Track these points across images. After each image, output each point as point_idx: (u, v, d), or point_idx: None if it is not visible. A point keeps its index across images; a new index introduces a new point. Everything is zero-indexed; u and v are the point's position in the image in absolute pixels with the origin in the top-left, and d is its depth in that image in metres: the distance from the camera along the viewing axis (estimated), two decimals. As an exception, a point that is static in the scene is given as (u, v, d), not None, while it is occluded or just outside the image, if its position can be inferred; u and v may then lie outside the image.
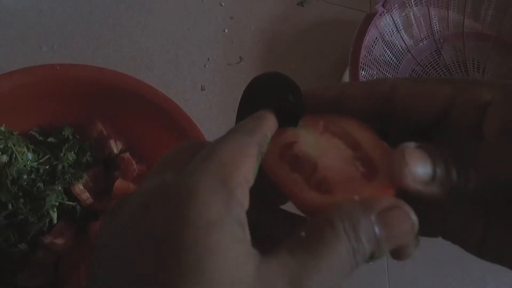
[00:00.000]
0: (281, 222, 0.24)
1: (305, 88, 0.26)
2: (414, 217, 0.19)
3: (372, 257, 0.19)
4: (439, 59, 0.77)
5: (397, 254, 0.21)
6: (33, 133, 0.53)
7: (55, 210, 0.49)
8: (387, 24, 0.73)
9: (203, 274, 0.16)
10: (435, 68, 0.76)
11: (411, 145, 0.20)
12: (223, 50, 0.73)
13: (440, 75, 0.75)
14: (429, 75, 0.75)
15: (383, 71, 0.72)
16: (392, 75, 0.74)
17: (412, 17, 0.75)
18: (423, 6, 0.76)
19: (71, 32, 0.68)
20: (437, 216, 0.23)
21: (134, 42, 0.69)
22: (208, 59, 0.71)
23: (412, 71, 0.75)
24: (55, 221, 0.49)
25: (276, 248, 0.18)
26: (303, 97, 0.26)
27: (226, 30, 0.74)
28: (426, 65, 0.76)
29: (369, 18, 0.69)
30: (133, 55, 0.69)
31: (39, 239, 0.48)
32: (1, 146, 0.48)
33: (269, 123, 0.23)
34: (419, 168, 0.19)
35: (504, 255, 0.22)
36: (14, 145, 0.49)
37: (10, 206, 0.47)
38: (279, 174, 0.23)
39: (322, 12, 0.80)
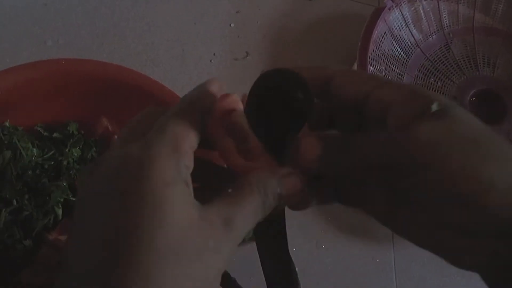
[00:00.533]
0: (213, 174, 0.31)
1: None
2: (302, 181, 0.27)
3: (276, 207, 0.26)
4: (449, 54, 0.76)
5: (293, 206, 0.28)
6: (38, 129, 0.53)
7: (60, 206, 0.49)
8: (396, 18, 0.72)
9: (160, 218, 0.22)
10: (444, 63, 0.75)
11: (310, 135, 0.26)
12: (229, 45, 0.72)
13: (450, 70, 0.74)
14: (438, 70, 0.74)
15: (392, 66, 0.71)
16: (401, 70, 0.73)
17: (422, 11, 0.74)
18: (432, 0, 0.75)
19: (76, 26, 0.67)
20: (331, 186, 0.29)
21: (140, 37, 0.69)
22: (214, 54, 0.71)
23: (421, 66, 0.74)
24: (60, 217, 0.49)
25: (211, 200, 0.24)
26: (311, 92, 0.26)
27: (232, 25, 0.74)
28: (435, 60, 0.75)
29: (378, 12, 0.68)
30: (139, 50, 0.68)
31: (44, 236, 0.47)
32: (6, 142, 0.48)
33: (212, 92, 0.28)
34: (307, 152, 0.26)
35: (409, 231, 0.26)
36: (18, 141, 0.48)
37: (15, 202, 0.47)
38: (216, 138, 0.28)
39: (329, 6, 0.79)
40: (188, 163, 0.24)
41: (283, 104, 0.27)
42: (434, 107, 0.24)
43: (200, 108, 0.26)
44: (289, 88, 0.26)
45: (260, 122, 0.27)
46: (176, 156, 0.23)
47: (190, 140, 0.25)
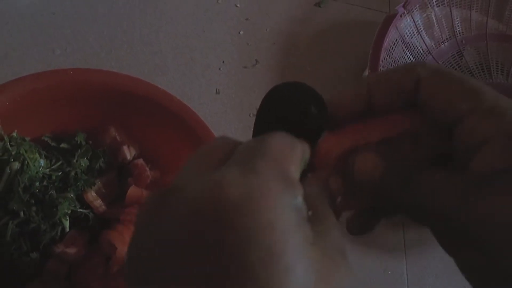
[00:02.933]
0: None
1: (329, 97, 0.25)
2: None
3: None
4: (461, 62, 0.74)
5: (353, 230, 0.25)
6: (46, 139, 0.52)
7: (68, 218, 0.48)
8: (408, 25, 0.71)
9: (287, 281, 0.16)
10: (457, 70, 0.73)
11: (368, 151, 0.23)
12: (238, 53, 0.71)
13: (462, 78, 0.73)
14: (451, 77, 0.73)
15: (403, 74, 0.70)
16: (413, 78, 0.71)
17: (434, 18, 0.73)
18: (445, 6, 0.73)
19: (84, 35, 0.67)
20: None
21: (148, 45, 0.68)
22: (223, 61, 0.70)
23: (433, 74, 0.73)
24: (67, 229, 0.48)
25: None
26: (326, 108, 0.25)
27: (241, 32, 0.73)
28: (448, 67, 0.74)
29: (389, 19, 0.67)
30: (147, 58, 0.67)
31: (51, 248, 0.47)
32: (13, 153, 0.47)
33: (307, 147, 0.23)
34: (362, 170, 0.23)
35: (469, 274, 0.22)
36: (26, 152, 0.48)
37: (22, 214, 0.46)
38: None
39: (340, 13, 0.78)
40: (302, 192, 0.19)
41: (295, 119, 0.26)
42: None
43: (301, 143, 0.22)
44: (303, 102, 0.25)
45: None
46: (291, 187, 0.18)
47: (297, 166, 0.20)
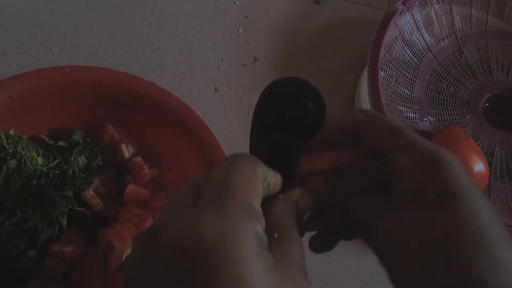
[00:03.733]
0: None
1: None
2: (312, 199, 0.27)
3: None
4: (461, 59, 0.74)
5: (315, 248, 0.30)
6: (43, 137, 0.52)
7: (65, 216, 0.48)
8: (407, 22, 0.71)
9: None
10: (457, 68, 0.73)
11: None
12: (237, 51, 0.71)
13: (462, 75, 0.72)
14: (451, 75, 0.72)
15: (403, 71, 0.70)
16: (412, 75, 0.71)
17: (434, 15, 0.73)
18: (445, 3, 0.73)
19: (83, 33, 0.66)
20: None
21: (147, 43, 0.68)
22: (222, 59, 0.70)
23: (433, 71, 0.73)
24: (65, 227, 0.48)
25: (272, 249, 0.23)
26: (325, 103, 0.25)
27: (240, 30, 0.73)
28: (448, 65, 0.73)
29: (389, 16, 0.67)
30: (146, 56, 0.67)
31: (49, 247, 0.46)
32: (10, 151, 0.47)
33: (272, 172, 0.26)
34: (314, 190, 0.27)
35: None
36: (23, 150, 0.48)
37: (19, 213, 0.46)
38: None
39: (339, 10, 0.78)
40: (263, 225, 0.23)
41: (294, 113, 0.25)
42: (430, 195, 0.24)
43: (261, 164, 0.25)
44: (301, 98, 0.25)
45: (269, 130, 0.26)
46: (254, 222, 0.22)
47: (258, 196, 0.23)
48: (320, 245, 0.30)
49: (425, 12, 0.72)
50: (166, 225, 0.22)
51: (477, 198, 0.23)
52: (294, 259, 0.23)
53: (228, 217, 0.21)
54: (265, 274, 0.20)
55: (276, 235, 0.23)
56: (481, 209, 0.23)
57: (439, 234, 0.22)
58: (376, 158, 0.27)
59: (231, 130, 0.65)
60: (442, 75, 0.72)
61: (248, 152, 0.28)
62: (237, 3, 0.74)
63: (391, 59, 0.68)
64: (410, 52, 0.71)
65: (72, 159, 0.51)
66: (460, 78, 0.72)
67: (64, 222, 0.47)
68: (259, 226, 0.22)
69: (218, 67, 0.69)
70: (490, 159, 0.67)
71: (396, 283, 0.24)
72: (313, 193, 0.27)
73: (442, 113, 0.70)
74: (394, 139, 0.26)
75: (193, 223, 0.21)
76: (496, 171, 0.66)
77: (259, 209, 0.23)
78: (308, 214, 0.27)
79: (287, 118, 0.25)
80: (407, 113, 0.68)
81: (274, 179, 0.25)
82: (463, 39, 0.75)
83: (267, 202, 0.25)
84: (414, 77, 0.71)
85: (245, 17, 0.74)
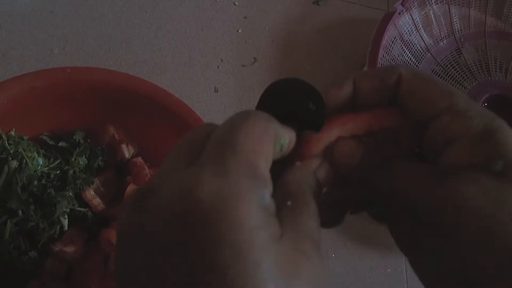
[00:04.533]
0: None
1: (325, 91, 0.26)
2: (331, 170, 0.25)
3: None
4: (460, 59, 0.74)
5: (325, 224, 0.25)
6: (44, 138, 0.52)
7: (66, 216, 0.48)
8: (406, 23, 0.71)
9: (258, 278, 0.17)
10: (456, 68, 0.73)
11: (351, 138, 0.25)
12: (237, 51, 0.71)
13: (461, 75, 0.73)
14: (449, 75, 0.73)
15: (402, 72, 0.70)
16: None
17: (432, 16, 0.73)
18: (443, 4, 0.74)
19: (83, 34, 0.67)
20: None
21: (147, 43, 0.68)
22: (222, 60, 0.70)
23: (432, 71, 0.73)
24: (66, 228, 0.48)
25: (282, 220, 0.21)
26: (325, 104, 0.25)
27: (240, 30, 0.73)
28: (446, 65, 0.74)
29: (388, 17, 0.67)
30: (146, 57, 0.67)
31: (50, 247, 0.47)
32: (11, 152, 0.47)
33: (290, 131, 0.24)
34: (342, 155, 0.24)
35: (422, 274, 0.24)
36: (24, 150, 0.48)
37: (20, 213, 0.46)
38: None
39: (338, 11, 0.78)
40: (270, 189, 0.20)
41: (294, 114, 0.26)
42: (498, 167, 0.21)
43: (276, 125, 0.22)
44: (301, 98, 0.25)
45: None
46: (259, 185, 0.19)
47: (266, 157, 0.21)
48: (330, 219, 0.26)
49: (423, 12, 0.72)
50: (160, 185, 0.20)
51: None
52: (307, 230, 0.20)
53: (228, 176, 0.19)
54: (269, 244, 0.18)
55: (289, 203, 0.21)
56: None
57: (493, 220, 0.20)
58: (417, 123, 0.24)
59: (231, 131, 0.66)
60: (440, 76, 0.73)
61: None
62: (236, 3, 0.74)
63: (390, 60, 0.68)
64: (409, 52, 0.72)
65: (73, 159, 0.51)
66: (458, 78, 0.73)
67: (65, 222, 0.48)
68: (265, 190, 0.19)
69: (218, 67, 0.69)
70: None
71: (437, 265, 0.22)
72: (344, 158, 0.24)
73: (441, 113, 0.70)
74: (449, 101, 0.23)
75: (188, 182, 0.19)
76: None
77: (266, 172, 0.20)
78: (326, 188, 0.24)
79: (287, 119, 0.25)
80: (406, 113, 0.68)
81: (288, 139, 0.23)
82: (462, 40, 0.75)
83: (281, 168, 0.23)
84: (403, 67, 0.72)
85: (245, 17, 0.74)
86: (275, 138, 0.22)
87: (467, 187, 0.20)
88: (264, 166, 0.20)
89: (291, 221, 0.20)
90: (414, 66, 0.72)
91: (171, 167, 0.21)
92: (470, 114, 0.22)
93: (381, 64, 0.65)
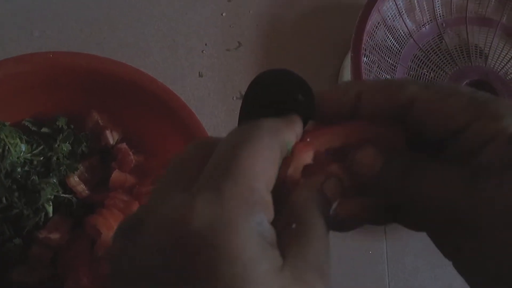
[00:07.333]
0: None
1: (319, 91, 0.25)
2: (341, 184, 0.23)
3: None
4: (441, 44, 0.75)
5: (339, 226, 0.24)
6: (26, 123, 0.51)
7: (51, 203, 0.48)
8: (390, 8, 0.71)
9: None
10: (437, 54, 0.74)
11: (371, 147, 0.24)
12: (221, 35, 0.71)
13: (442, 61, 0.74)
14: (431, 60, 0.73)
15: (385, 57, 0.71)
16: (394, 61, 0.72)
17: (415, 1, 0.73)
18: (426, -11, 0.74)
19: (64, 16, 0.65)
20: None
21: (130, 27, 0.67)
22: (206, 44, 0.69)
23: (414, 57, 0.74)
24: (50, 214, 0.48)
25: (286, 245, 0.19)
26: (314, 96, 0.25)
27: (224, 14, 0.72)
28: (428, 51, 0.74)
29: (372, 2, 0.67)
30: (129, 41, 0.66)
31: (35, 234, 0.46)
32: (-7, 138, 0.46)
33: (297, 128, 0.23)
34: (362, 165, 0.23)
35: (471, 275, 0.22)
36: (6, 137, 0.47)
37: (4, 200, 0.46)
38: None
39: (322, -5, 0.78)
40: (270, 216, 0.19)
41: (283, 106, 0.26)
42: None
43: (281, 142, 0.21)
44: (290, 90, 0.25)
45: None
46: (257, 211, 0.18)
47: (268, 180, 0.19)
48: (342, 227, 0.25)
49: (407, -2, 0.72)
50: (151, 214, 0.19)
51: None
52: (312, 257, 0.19)
53: (222, 204, 0.18)
54: (267, 278, 0.17)
55: (293, 226, 0.20)
56: None
57: None
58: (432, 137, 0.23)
59: (216, 115, 0.65)
60: (422, 61, 0.74)
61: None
62: (220, -14, 0.74)
63: (373, 45, 0.68)
64: (392, 37, 0.72)
65: (56, 145, 0.50)
66: (439, 63, 0.74)
67: (50, 209, 0.48)
68: (263, 217, 0.18)
69: (202, 51, 0.69)
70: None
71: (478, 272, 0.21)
72: (365, 168, 0.23)
73: (422, 98, 0.71)
74: (474, 111, 0.22)
75: (180, 211, 0.18)
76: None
77: (266, 195, 0.19)
78: (336, 202, 0.23)
79: (275, 111, 0.25)
80: (388, 98, 0.69)
81: (295, 138, 0.22)
82: (444, 25, 0.76)
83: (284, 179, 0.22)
84: (396, 62, 0.72)
85: (229, 1, 0.73)
86: (282, 149, 0.21)
87: (496, 187, 0.20)
88: (265, 189, 0.19)
89: (295, 247, 0.19)
90: (397, 51, 0.73)
91: (162, 194, 0.20)
92: (502, 116, 0.21)
93: (365, 50, 0.65)
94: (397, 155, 0.23)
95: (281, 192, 0.22)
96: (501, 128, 0.21)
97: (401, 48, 0.73)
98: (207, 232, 0.17)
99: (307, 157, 0.24)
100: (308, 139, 0.24)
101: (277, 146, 0.20)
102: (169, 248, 0.17)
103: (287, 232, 0.20)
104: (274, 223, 0.20)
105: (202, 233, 0.17)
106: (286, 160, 0.23)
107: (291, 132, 0.22)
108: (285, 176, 0.23)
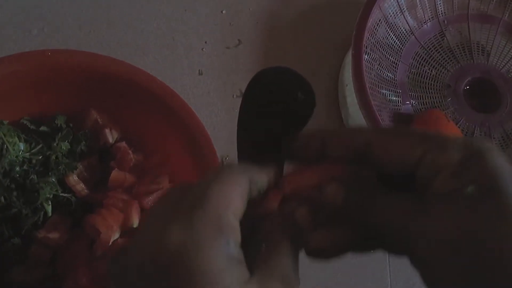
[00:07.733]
0: None
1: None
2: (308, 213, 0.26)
3: None
4: (443, 42, 0.75)
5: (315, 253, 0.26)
6: (24, 122, 0.51)
7: (50, 202, 0.47)
8: (391, 5, 0.71)
9: None
10: (439, 51, 0.74)
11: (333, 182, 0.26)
12: (221, 33, 0.70)
13: (444, 58, 0.73)
14: (433, 58, 0.73)
15: (386, 55, 0.70)
16: (395, 59, 0.71)
17: (417, -2, 0.73)
18: (428, -14, 0.73)
19: (63, 14, 0.65)
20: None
21: (129, 25, 0.67)
22: (206, 42, 0.69)
23: (416, 54, 0.73)
24: (49, 214, 0.47)
25: (255, 265, 0.23)
26: (314, 94, 0.25)
27: (224, 11, 0.72)
28: (430, 48, 0.74)
29: (373, -1, 0.67)
30: (128, 39, 0.66)
31: (33, 233, 0.46)
32: (-9, 137, 0.46)
33: (269, 173, 0.26)
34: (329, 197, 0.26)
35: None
36: (4, 135, 0.47)
37: (2, 200, 0.46)
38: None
39: (323, -8, 0.77)
40: (236, 238, 0.22)
41: (282, 104, 0.26)
42: (469, 191, 0.22)
43: (250, 175, 0.24)
44: (290, 88, 0.25)
45: (257, 122, 0.26)
46: (223, 234, 0.21)
47: (235, 209, 0.23)
48: (322, 255, 0.27)
49: (408, -6, 0.72)
50: (135, 240, 0.23)
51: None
52: (278, 269, 0.22)
53: (193, 228, 0.21)
54: (235, 286, 0.20)
55: (263, 246, 0.24)
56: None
57: (481, 234, 0.21)
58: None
59: (215, 113, 0.65)
60: (424, 58, 0.73)
61: (236, 140, 0.28)
62: (220, -16, 0.73)
63: (374, 42, 0.68)
64: (393, 35, 0.72)
65: (55, 144, 0.50)
66: (441, 61, 0.73)
67: (49, 208, 0.47)
68: (230, 239, 0.22)
69: (202, 49, 0.68)
70: (470, 141, 0.68)
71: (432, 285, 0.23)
72: (328, 200, 0.25)
73: (423, 96, 0.71)
74: (424, 145, 0.24)
75: (158, 235, 0.21)
76: (475, 153, 0.68)
77: (233, 221, 0.22)
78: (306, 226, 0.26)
79: (275, 109, 0.25)
80: (390, 96, 0.68)
81: (266, 182, 0.25)
82: (445, 22, 0.76)
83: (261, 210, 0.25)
84: (397, 60, 0.72)
85: (229, -2, 0.73)
86: (250, 184, 0.24)
87: (437, 213, 0.22)
88: (232, 217, 0.22)
89: (263, 264, 0.23)
90: (398, 49, 0.72)
91: (146, 225, 0.24)
92: (450, 147, 0.24)
93: (366, 47, 0.65)
94: (357, 188, 0.26)
95: (257, 222, 0.25)
96: (447, 161, 0.23)
97: (402, 46, 0.73)
98: (180, 249, 0.20)
99: (275, 203, 0.26)
100: (286, 183, 0.26)
101: (245, 182, 0.24)
102: (147, 264, 0.21)
103: (258, 254, 0.23)
104: (249, 248, 0.23)
105: (176, 250, 0.20)
106: (259, 201, 0.26)
107: (261, 174, 0.25)
108: (259, 211, 0.26)
